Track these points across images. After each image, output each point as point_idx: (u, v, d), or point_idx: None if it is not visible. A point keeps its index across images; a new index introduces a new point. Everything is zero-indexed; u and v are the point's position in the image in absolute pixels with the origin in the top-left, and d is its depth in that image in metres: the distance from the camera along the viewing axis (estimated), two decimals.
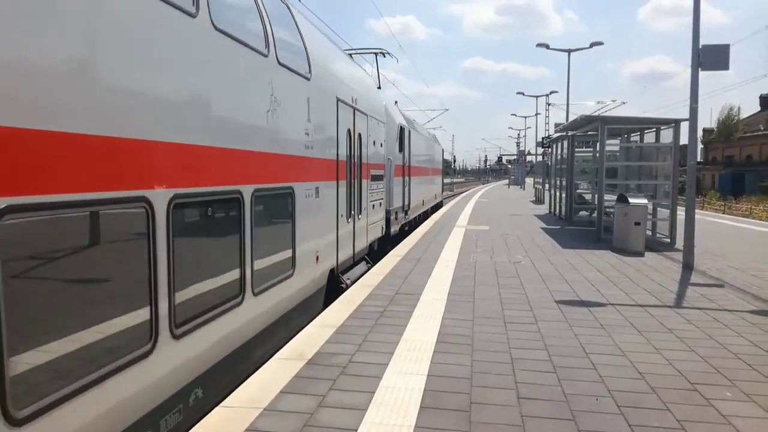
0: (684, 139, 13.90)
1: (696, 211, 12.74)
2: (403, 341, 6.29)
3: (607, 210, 16.50)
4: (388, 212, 16.31)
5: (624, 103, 50.38)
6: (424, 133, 30.32)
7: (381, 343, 6.21)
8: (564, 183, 22.14)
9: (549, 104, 52.59)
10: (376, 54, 18.90)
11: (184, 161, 4.87)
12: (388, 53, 19.02)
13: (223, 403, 4.60)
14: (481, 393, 4.88)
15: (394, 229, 17.18)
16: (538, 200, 36.10)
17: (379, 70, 17.66)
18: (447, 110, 61.99)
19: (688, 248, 11.51)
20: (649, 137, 17.20)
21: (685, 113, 12.16)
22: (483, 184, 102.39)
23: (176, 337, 4.65)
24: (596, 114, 27.19)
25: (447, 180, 53.01)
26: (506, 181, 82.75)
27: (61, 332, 3.49)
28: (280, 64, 7.21)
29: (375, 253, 14.02)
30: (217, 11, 5.37)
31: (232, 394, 4.79)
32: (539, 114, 60.10)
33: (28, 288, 3.32)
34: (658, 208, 16.26)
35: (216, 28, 5.38)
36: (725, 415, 4.54)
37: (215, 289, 5.44)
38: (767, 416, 4.56)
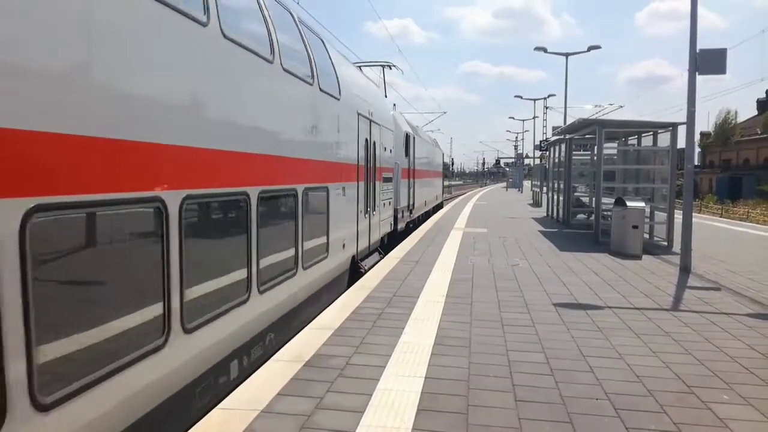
0: (681, 143, 13.95)
1: (693, 214, 12.77)
2: (400, 344, 6.29)
3: (605, 213, 16.53)
4: (395, 211, 17.85)
5: (621, 106, 50.46)
6: (427, 138, 32.44)
7: (378, 346, 6.21)
8: (562, 186, 22.18)
9: (547, 107, 52.60)
10: (383, 66, 21.80)
11: (266, 168, 6.87)
12: (394, 66, 21.84)
13: (220, 405, 4.60)
14: (479, 395, 4.88)
15: (401, 225, 18.89)
16: (536, 203, 36.13)
17: (382, 78, 19.68)
18: (445, 113, 62.19)
19: (686, 251, 11.53)
20: (647, 141, 17.24)
21: (682, 117, 12.20)
22: (481, 187, 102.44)
23: (261, 292, 6.62)
24: (594, 117, 27.24)
25: (445, 183, 54.26)
26: (504, 184, 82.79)
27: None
28: (321, 90, 9.15)
29: (383, 247, 15.52)
30: (285, 56, 7.39)
31: (230, 396, 4.79)
32: (537, 117, 60.14)
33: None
34: (656, 212, 16.29)
35: (284, 69, 7.39)
36: (722, 419, 4.55)
37: (284, 261, 7.55)
38: (764, 419, 4.58)
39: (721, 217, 35.82)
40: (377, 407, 4.59)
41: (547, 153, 32.85)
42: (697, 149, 75.71)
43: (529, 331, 6.92)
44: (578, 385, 5.18)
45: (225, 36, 5.63)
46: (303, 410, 4.52)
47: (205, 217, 5.60)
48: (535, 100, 56.27)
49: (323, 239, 9.44)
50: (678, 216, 13.36)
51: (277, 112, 7.37)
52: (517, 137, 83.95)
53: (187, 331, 4.90)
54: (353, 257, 11.67)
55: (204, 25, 5.31)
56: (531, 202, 38.43)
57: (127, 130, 4.09)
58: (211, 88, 5.55)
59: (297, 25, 8.82)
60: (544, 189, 31.97)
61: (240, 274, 6.07)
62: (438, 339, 6.50)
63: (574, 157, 21.75)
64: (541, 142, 43.49)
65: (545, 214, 26.47)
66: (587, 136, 19.78)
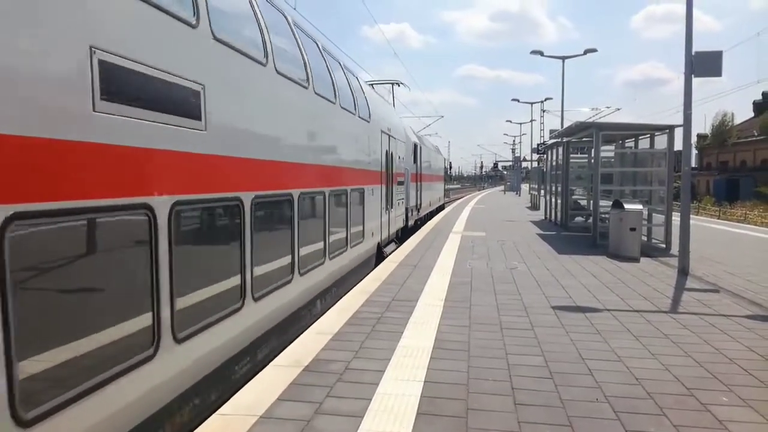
0: (678, 145, 13.98)
1: (691, 216, 12.79)
2: (399, 348, 6.29)
3: (603, 216, 16.55)
4: (406, 209, 20.84)
5: (618, 109, 50.51)
6: (431, 146, 36.30)
7: (377, 350, 6.21)
8: (559, 189, 22.21)
9: (544, 111, 52.79)
10: (392, 84, 25.50)
11: (334, 176, 10.06)
12: (402, 83, 25.96)
13: (219, 411, 4.59)
14: (478, 399, 4.88)
15: (411, 222, 22.23)
16: (534, 206, 36.16)
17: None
18: (442, 117, 62.25)
19: (684, 254, 11.54)
20: (644, 143, 17.27)
21: (679, 119, 12.25)
22: (479, 190, 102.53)
23: (331, 258, 10.06)
24: (591, 120, 27.32)
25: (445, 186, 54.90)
26: (502, 187, 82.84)
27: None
28: (360, 117, 12.53)
29: (397, 240, 18.61)
30: (342, 97, 10.79)
31: (229, 402, 4.78)
32: (534, 120, 60.28)
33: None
34: (654, 214, 16.31)
35: (341, 107, 10.60)
36: (721, 420, 4.55)
37: (337, 241, 10.47)
38: (763, 421, 4.58)
39: (719, 218, 35.90)
40: (376, 412, 4.59)
41: (545, 156, 32.90)
42: (694, 151, 75.91)
43: (528, 335, 6.92)
44: (577, 388, 5.18)
45: (278, 72, 7.28)
46: (302, 415, 4.51)
47: (305, 206, 8.54)
48: (532, 103, 56.48)
49: (361, 227, 12.68)
50: (676, 218, 13.39)
51: (340, 138, 10.96)
52: (514, 140, 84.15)
53: (256, 299, 6.53)
54: (378, 243, 14.85)
55: (263, 65, 6.83)
56: (529, 205, 38.47)
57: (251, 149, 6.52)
58: (275, 121, 7.43)
59: (344, 71, 12.00)
60: (542, 192, 32.02)
61: (320, 246, 9.44)
62: (437, 343, 6.49)
63: (571, 160, 21.78)
64: (538, 145, 43.57)
65: (543, 217, 26.50)
66: (584, 139, 19.82)
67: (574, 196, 22.17)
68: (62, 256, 3.67)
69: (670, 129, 15.01)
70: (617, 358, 6.09)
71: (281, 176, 7.46)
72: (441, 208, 37.45)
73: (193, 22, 5.11)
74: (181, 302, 4.87)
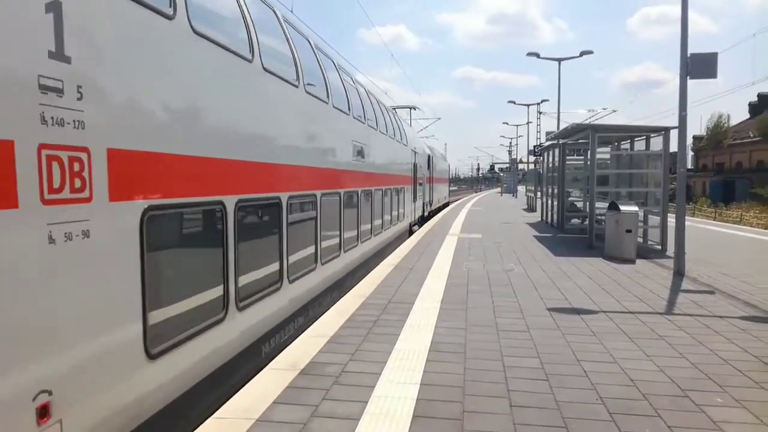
0: (674, 147, 14.03)
1: (687, 218, 12.83)
2: (395, 350, 6.30)
3: (599, 217, 16.59)
4: (423, 203, 28.74)
5: (615, 111, 50.62)
6: (440, 155, 47.25)
7: (374, 353, 6.22)
8: (556, 191, 22.25)
9: (540, 113, 52.91)
10: (410, 108, 38.64)
11: (389, 180, 16.44)
12: (417, 108, 38.08)
13: (215, 414, 4.60)
14: (474, 401, 4.90)
15: (426, 212, 30.15)
16: (530, 208, 36.20)
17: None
18: (439, 119, 62.40)
19: (679, 255, 11.58)
20: (640, 145, 17.33)
21: (674, 121, 12.27)
22: (475, 192, 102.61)
23: (374, 235, 15.04)
24: (587, 122, 27.34)
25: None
26: (498, 189, 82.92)
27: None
28: (402, 144, 19.56)
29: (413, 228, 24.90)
30: (395, 134, 18.81)
31: (225, 405, 4.79)
32: (531, 122, 60.48)
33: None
34: (649, 216, 16.36)
35: (395, 139, 17.77)
36: (716, 422, 4.57)
37: (393, 218, 17.31)
38: (758, 422, 4.60)
39: (714, 220, 35.98)
40: (373, 414, 4.60)
41: (541, 158, 32.97)
42: (690, 153, 76.07)
43: (524, 336, 6.94)
44: (573, 390, 5.20)
45: (356, 118, 12.22)
46: (299, 418, 4.52)
47: (378, 197, 14.34)
48: (528, 105, 56.70)
49: (402, 210, 20.57)
50: (671, 220, 13.43)
51: (394, 157, 17.73)
52: (511, 142, 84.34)
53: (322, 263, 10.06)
54: (410, 223, 23.41)
55: (325, 102, 10.07)
56: (525, 207, 38.51)
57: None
58: (371, 154, 14.01)
59: (395, 116, 18.92)
60: (539, 194, 32.07)
61: (386, 219, 16.24)
62: (433, 345, 6.51)
63: (567, 162, 21.81)
64: (534, 147, 43.69)
65: (540, 219, 26.53)
66: (580, 140, 19.87)
67: (570, 198, 22.20)
68: (173, 232, 5.28)
69: (665, 131, 15.06)
70: (613, 359, 6.12)
71: (369, 181, 14.20)
72: (447, 204, 46.80)
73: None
74: (241, 281, 6.33)
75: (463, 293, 9.44)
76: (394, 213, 18.54)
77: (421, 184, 26.79)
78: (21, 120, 3.29)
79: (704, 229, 22.51)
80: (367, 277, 11.05)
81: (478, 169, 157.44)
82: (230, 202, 5.95)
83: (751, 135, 69.40)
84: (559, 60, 37.43)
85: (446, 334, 6.98)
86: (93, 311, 3.92)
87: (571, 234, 19.53)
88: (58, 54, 3.56)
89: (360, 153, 13.06)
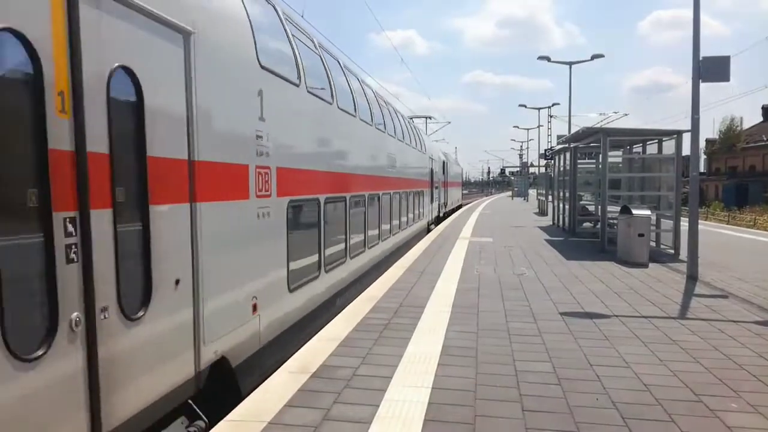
0: (687, 150, 13.94)
1: (700, 221, 12.75)
2: (407, 354, 6.30)
3: (611, 221, 16.51)
4: (438, 205, 31.79)
5: (626, 114, 50.40)
6: (454, 160, 52.05)
7: (385, 356, 6.22)
8: (567, 195, 22.17)
9: (551, 116, 52.63)
10: (426, 118, 50.31)
11: (409, 184, 19.53)
12: (432, 117, 47.57)
13: (227, 417, 4.61)
14: (486, 405, 4.88)
15: (441, 213, 33.42)
16: (542, 212, 36.09)
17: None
18: (449, 123, 62.53)
19: (692, 259, 11.50)
20: (652, 148, 17.24)
21: (687, 124, 12.22)
22: (486, 196, 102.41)
23: (402, 229, 18.40)
24: (598, 126, 27.23)
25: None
26: (509, 192, 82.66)
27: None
28: (422, 152, 23.72)
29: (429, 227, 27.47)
30: (417, 144, 22.77)
31: (237, 408, 4.80)
32: (541, 126, 60.08)
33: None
34: (662, 219, 16.26)
35: (416, 149, 21.95)
36: (730, 427, 4.53)
37: (414, 216, 20.86)
38: None
39: (727, 224, 35.71)
40: (384, 418, 4.60)
41: (552, 162, 32.86)
42: (703, 156, 75.50)
43: (535, 341, 6.92)
44: (586, 395, 5.18)
45: (391, 135, 15.55)
46: (310, 421, 4.53)
47: (400, 199, 17.45)
48: (539, 108, 56.33)
49: (422, 210, 23.53)
50: (684, 223, 13.34)
51: (415, 164, 21.30)
52: (521, 146, 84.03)
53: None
54: (428, 222, 26.47)
55: (369, 125, 13.09)
56: (537, 210, 38.41)
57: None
58: (395, 161, 16.80)
59: (417, 130, 23.09)
60: (550, 198, 31.97)
61: (410, 217, 20.08)
62: (444, 349, 6.50)
63: (579, 166, 21.73)
64: (545, 150, 43.52)
65: (551, 223, 26.45)
66: (592, 144, 19.78)
67: (582, 202, 22.12)
68: (298, 216, 8.14)
69: (678, 134, 14.97)
70: (625, 364, 6.08)
71: (389, 185, 15.77)
72: (460, 206, 50.25)
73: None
74: (328, 251, 9.54)
75: (474, 297, 9.42)
76: (416, 212, 22.18)
77: (437, 188, 30.22)
78: (250, 154, 6.25)
79: (717, 233, 22.34)
80: (378, 279, 11.07)
81: (489, 172, 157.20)
82: (322, 198, 9.23)
83: (765, 138, 68.86)
84: (570, 64, 37.25)
85: (457, 338, 6.97)
86: (272, 256, 7.02)
87: (583, 238, 19.45)
88: (262, 118, 6.54)
89: (392, 163, 16.50)
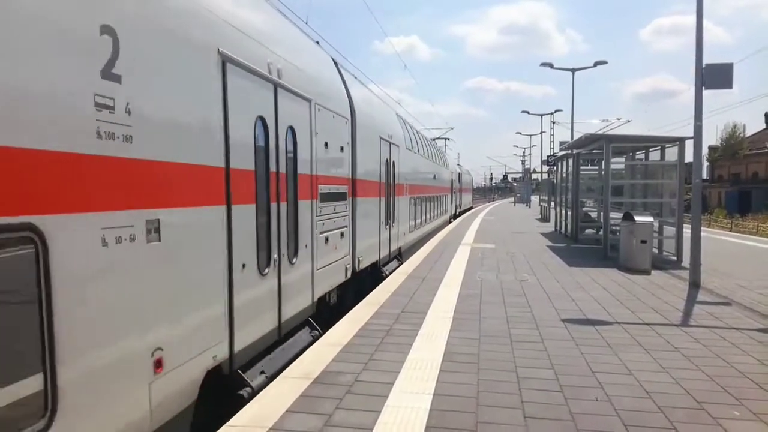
0: (689, 157, 13.93)
1: (703, 228, 12.73)
2: (408, 360, 6.30)
3: (613, 228, 16.49)
4: (455, 205, 42.48)
5: (629, 121, 50.44)
6: (465, 171, 63.04)
7: (387, 362, 6.22)
8: (570, 201, 22.17)
9: (554, 122, 52.65)
10: (445, 139, 60.02)
11: (440, 189, 29.63)
12: (450, 139, 59.80)
13: (229, 423, 4.61)
14: (488, 412, 4.88)
15: (457, 211, 44.13)
16: (544, 218, 36.06)
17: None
18: (452, 128, 62.55)
19: (695, 266, 11.48)
20: (655, 155, 17.24)
21: (689, 131, 12.19)
22: (488, 201, 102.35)
23: (432, 221, 26.30)
24: (601, 132, 27.24)
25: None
26: (512, 198, 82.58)
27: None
28: (446, 168, 34.67)
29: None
30: (442, 162, 32.77)
31: (239, 414, 4.80)
32: (544, 132, 60.18)
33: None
34: (665, 226, 16.24)
35: (442, 166, 31.73)
36: None
37: (439, 213, 29.51)
38: None
39: (730, 231, 35.63)
40: (386, 424, 4.60)
41: (555, 168, 32.86)
42: (706, 163, 75.37)
43: (537, 347, 6.91)
44: (588, 402, 5.17)
45: (438, 165, 28.73)
46: (312, 427, 4.53)
47: (431, 200, 25.67)
48: (542, 115, 56.38)
49: (447, 207, 34.54)
50: (687, 230, 13.33)
51: (441, 176, 29.93)
52: (524, 152, 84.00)
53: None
54: (449, 217, 36.77)
55: (429, 159, 25.10)
56: (539, 217, 38.37)
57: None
58: (432, 176, 26.53)
59: (443, 152, 37.22)
60: (552, 204, 31.96)
61: (439, 211, 29.82)
62: (447, 355, 6.50)
63: (581, 172, 21.74)
64: (548, 157, 43.49)
65: (553, 229, 26.42)
66: (595, 150, 19.80)
67: (584, 208, 22.11)
68: (414, 204, 19.35)
69: (680, 141, 14.97)
70: (627, 371, 6.07)
71: (435, 191, 26.86)
72: (471, 208, 60.43)
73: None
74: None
75: (476, 303, 9.41)
76: (444, 208, 32.88)
77: (455, 193, 42.60)
78: (381, 176, 14.09)
79: (720, 240, 22.29)
80: (380, 286, 11.06)
81: (491, 178, 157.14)
82: (418, 197, 18.81)
83: (767, 145, 68.77)
84: (573, 70, 37.26)
85: (460, 344, 6.97)
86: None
87: (586, 244, 19.44)
88: (390, 161, 15.09)
89: (436, 178, 27.48)
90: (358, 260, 11.38)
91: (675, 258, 14.93)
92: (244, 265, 5.88)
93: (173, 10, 4.72)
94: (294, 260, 7.51)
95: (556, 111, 53.80)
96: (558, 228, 25.57)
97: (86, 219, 3.65)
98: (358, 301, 9.53)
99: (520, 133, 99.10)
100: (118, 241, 3.92)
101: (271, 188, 6.64)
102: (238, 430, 4.48)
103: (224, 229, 5.48)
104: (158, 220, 4.38)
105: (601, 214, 17.79)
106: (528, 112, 57.21)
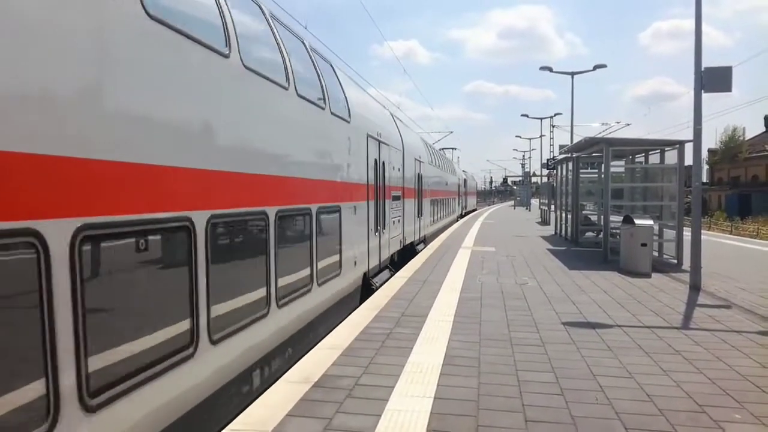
0: (689, 160, 13.94)
1: (703, 232, 12.72)
2: (409, 364, 6.29)
3: (614, 231, 16.49)
4: (462, 206, 49.62)
5: (629, 124, 50.61)
6: (471, 177, 71.05)
7: (387, 366, 6.21)
8: (570, 204, 22.17)
9: (553, 126, 52.68)
10: (453, 149, 69.19)
11: (449, 192, 37.50)
12: (456, 148, 67.13)
13: (229, 427, 4.60)
14: (488, 416, 4.87)
15: (463, 212, 51.57)
16: (544, 221, 36.06)
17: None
18: (452, 132, 62.75)
19: (695, 269, 11.47)
20: (654, 158, 17.24)
21: (689, 134, 12.22)
22: (488, 205, 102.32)
23: (442, 218, 32.36)
24: (601, 136, 27.23)
25: None
26: (512, 202, 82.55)
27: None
28: (454, 174, 43.07)
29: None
30: (449, 170, 40.04)
31: (238, 418, 4.79)
32: (544, 136, 60.06)
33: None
34: (665, 229, 16.23)
35: (451, 173, 39.75)
36: None
37: (450, 210, 37.82)
38: None
39: (731, 234, 35.63)
40: (386, 428, 4.58)
41: (555, 171, 32.88)
42: (706, 166, 75.40)
43: (538, 351, 6.90)
44: (588, 405, 5.16)
45: (448, 173, 37.39)
46: (312, 431, 4.51)
47: (441, 201, 31.60)
48: (541, 118, 56.35)
49: (453, 208, 40.48)
50: (687, 233, 13.32)
51: (452, 182, 39.23)
52: (524, 156, 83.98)
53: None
54: (457, 216, 43.69)
55: (445, 170, 35.40)
56: (539, 220, 38.37)
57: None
58: (442, 183, 33.15)
59: (453, 163, 50.38)
60: (552, 207, 31.97)
61: (452, 208, 40.64)
62: (447, 359, 6.48)
63: (581, 176, 21.74)
64: (548, 160, 43.53)
65: (554, 233, 26.42)
66: (594, 154, 19.80)
67: (584, 212, 22.10)
68: (431, 204, 26.43)
69: (680, 144, 14.98)
70: (628, 374, 6.06)
71: (441, 194, 30.57)
72: (475, 209, 67.87)
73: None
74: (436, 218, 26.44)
75: (476, 307, 9.40)
76: (453, 208, 39.52)
77: (461, 196, 49.27)
78: (417, 184, 21.19)
79: (720, 243, 22.29)
80: (380, 289, 11.07)
81: (491, 181, 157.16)
82: (434, 198, 26.58)
83: (767, 148, 68.76)
84: (572, 74, 37.28)
85: (460, 347, 6.95)
86: (413, 218, 20.00)
87: (586, 248, 19.43)
88: (420, 175, 21.90)
89: (448, 184, 34.56)
90: (404, 238, 17.65)
91: (675, 261, 14.92)
92: (371, 229, 12.54)
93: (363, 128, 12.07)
94: (384, 230, 14.15)
95: (555, 114, 53.89)
96: (558, 231, 25.57)
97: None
98: (403, 265, 14.64)
99: (520, 137, 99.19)
100: (353, 212, 10.89)
101: (378, 193, 13.31)
102: None
103: (367, 212, 12.04)
104: (354, 206, 10.94)
105: (601, 217, 17.79)
106: (527, 116, 57.21)
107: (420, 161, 21.09)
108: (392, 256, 15.51)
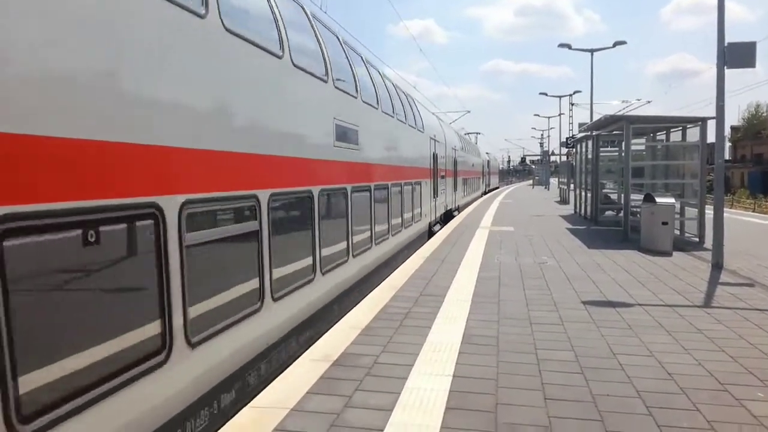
0: (711, 137, 13.72)
1: (725, 209, 12.54)
2: (427, 342, 6.30)
3: (634, 209, 16.32)
4: (485, 184, 58.43)
5: (649, 102, 49.69)
6: (493, 158, 78.35)
7: (406, 344, 6.23)
8: (589, 183, 21.95)
9: (572, 104, 51.94)
10: (476, 134, 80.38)
11: (475, 172, 45.72)
12: (481, 133, 76.33)
13: (251, 404, 4.66)
14: (507, 394, 4.87)
15: (487, 189, 60.33)
16: (563, 201, 35.81)
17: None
18: (468, 112, 62.70)
19: (717, 247, 11.33)
20: (676, 136, 16.98)
21: (711, 111, 11.98)
22: (506, 184, 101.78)
23: (471, 193, 41.56)
24: (621, 113, 26.85)
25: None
26: (530, 181, 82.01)
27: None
28: (479, 157, 51.60)
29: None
30: (475, 154, 48.99)
31: (260, 395, 4.85)
32: (563, 114, 59.29)
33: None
34: (686, 207, 16.03)
35: (478, 157, 51.04)
36: (756, 416, 4.47)
37: (475, 187, 45.45)
38: None
39: (753, 211, 35.11)
40: (406, 406, 4.61)
41: (574, 150, 32.54)
42: (728, 144, 74.14)
43: (557, 330, 6.87)
44: (609, 383, 5.14)
45: (472, 155, 43.18)
46: (332, 408, 4.55)
47: (469, 180, 38.81)
48: (560, 97, 55.63)
49: (478, 186, 48.55)
50: (709, 211, 13.14)
51: (477, 163, 46.76)
52: (542, 134, 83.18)
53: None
54: (481, 193, 51.55)
55: (477, 156, 49.67)
56: (558, 199, 38.11)
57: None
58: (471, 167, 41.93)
59: (476, 146, 57.08)
60: (572, 186, 31.69)
61: (478, 185, 49.28)
62: (466, 338, 6.49)
63: (601, 154, 21.49)
64: (567, 139, 43.03)
65: (573, 212, 26.23)
66: (615, 132, 19.55)
67: (604, 190, 21.88)
68: (464, 182, 35.09)
69: (702, 121, 14.71)
70: (649, 353, 6.02)
71: (470, 174, 38.97)
72: (497, 188, 73.24)
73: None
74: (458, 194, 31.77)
75: (495, 286, 9.39)
76: (478, 186, 46.01)
77: (485, 175, 56.33)
78: (453, 166, 28.38)
79: (743, 221, 21.98)
80: (399, 268, 11.08)
81: (509, 161, 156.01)
82: (462, 177, 32.39)
83: None
84: (592, 51, 36.64)
85: (479, 326, 6.95)
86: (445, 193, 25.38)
87: (606, 226, 19.26)
88: (456, 161, 29.22)
89: (472, 165, 39.89)
90: (447, 205, 24.39)
91: (697, 239, 14.75)
92: (431, 197, 19.84)
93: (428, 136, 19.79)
94: (438, 195, 21.11)
95: (574, 92, 53.04)
96: (577, 210, 25.38)
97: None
98: (446, 224, 21.10)
99: (539, 116, 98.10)
100: (425, 185, 18.84)
101: (434, 174, 19.93)
102: (260, 411, 4.52)
103: (429, 186, 19.46)
104: (426, 182, 18.81)
105: (621, 195, 17.60)
106: (546, 94, 56.56)
107: (455, 149, 28.12)
108: (440, 216, 22.77)
